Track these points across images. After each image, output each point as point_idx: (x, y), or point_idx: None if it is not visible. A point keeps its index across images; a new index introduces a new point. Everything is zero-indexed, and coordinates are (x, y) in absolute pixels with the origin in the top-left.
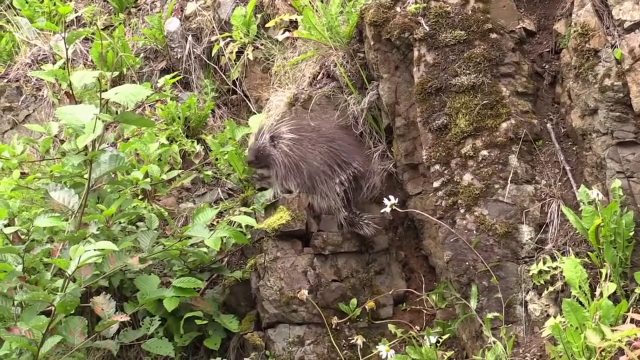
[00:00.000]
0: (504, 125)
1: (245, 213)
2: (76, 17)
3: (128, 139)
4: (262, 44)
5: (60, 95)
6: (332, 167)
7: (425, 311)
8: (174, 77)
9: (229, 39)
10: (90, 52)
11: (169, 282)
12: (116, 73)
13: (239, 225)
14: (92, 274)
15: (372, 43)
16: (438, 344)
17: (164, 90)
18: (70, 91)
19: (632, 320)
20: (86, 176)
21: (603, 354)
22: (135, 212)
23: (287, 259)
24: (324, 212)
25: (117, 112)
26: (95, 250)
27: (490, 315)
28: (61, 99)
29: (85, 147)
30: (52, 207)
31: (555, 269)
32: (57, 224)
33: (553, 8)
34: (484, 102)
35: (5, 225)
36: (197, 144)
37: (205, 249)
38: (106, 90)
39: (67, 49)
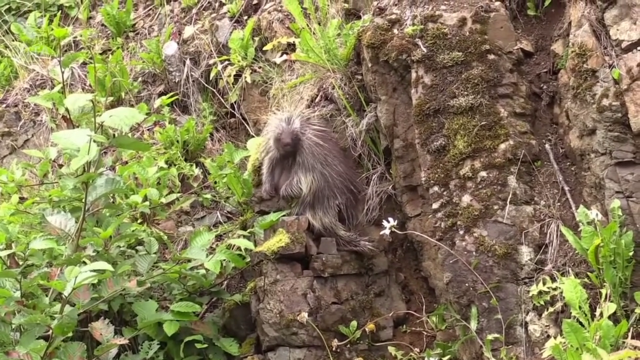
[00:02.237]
0: (503, 146)
1: (243, 236)
2: (74, 42)
3: (127, 162)
4: (260, 67)
5: (58, 120)
6: (343, 182)
7: (425, 333)
8: (170, 97)
9: (226, 62)
10: (88, 77)
11: (168, 306)
12: (111, 98)
13: (238, 249)
14: (90, 298)
15: (369, 65)
16: None
17: (162, 112)
18: (68, 115)
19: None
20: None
21: None
22: (134, 235)
23: (287, 281)
24: (325, 227)
25: (114, 136)
26: (91, 271)
27: (490, 337)
28: (59, 124)
29: (83, 170)
30: (49, 231)
31: (555, 289)
32: (52, 246)
33: (550, 29)
34: (482, 123)
35: (2, 249)
36: (196, 167)
37: (203, 272)
38: (101, 114)
39: (62, 72)
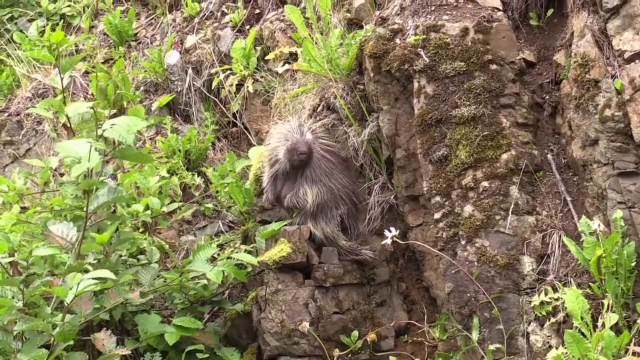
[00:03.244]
0: (505, 156)
1: (246, 250)
2: (76, 51)
3: (128, 170)
4: (262, 77)
5: (59, 128)
6: (346, 193)
7: (427, 343)
8: (167, 99)
9: (228, 71)
10: (90, 86)
11: (170, 315)
12: (114, 110)
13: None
14: (92, 308)
15: (371, 75)
16: None
17: (163, 121)
18: (68, 123)
19: (633, 353)
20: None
21: None
22: (135, 243)
23: (288, 291)
24: (327, 236)
25: (113, 142)
26: (92, 278)
27: (492, 347)
28: (60, 133)
29: (84, 178)
30: (51, 241)
31: (557, 300)
32: (55, 253)
33: (553, 39)
34: (484, 133)
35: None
36: (198, 176)
37: (205, 282)
38: (103, 121)
39: (62, 78)
